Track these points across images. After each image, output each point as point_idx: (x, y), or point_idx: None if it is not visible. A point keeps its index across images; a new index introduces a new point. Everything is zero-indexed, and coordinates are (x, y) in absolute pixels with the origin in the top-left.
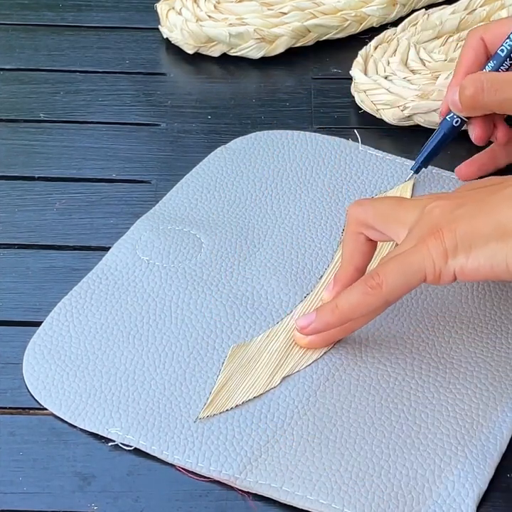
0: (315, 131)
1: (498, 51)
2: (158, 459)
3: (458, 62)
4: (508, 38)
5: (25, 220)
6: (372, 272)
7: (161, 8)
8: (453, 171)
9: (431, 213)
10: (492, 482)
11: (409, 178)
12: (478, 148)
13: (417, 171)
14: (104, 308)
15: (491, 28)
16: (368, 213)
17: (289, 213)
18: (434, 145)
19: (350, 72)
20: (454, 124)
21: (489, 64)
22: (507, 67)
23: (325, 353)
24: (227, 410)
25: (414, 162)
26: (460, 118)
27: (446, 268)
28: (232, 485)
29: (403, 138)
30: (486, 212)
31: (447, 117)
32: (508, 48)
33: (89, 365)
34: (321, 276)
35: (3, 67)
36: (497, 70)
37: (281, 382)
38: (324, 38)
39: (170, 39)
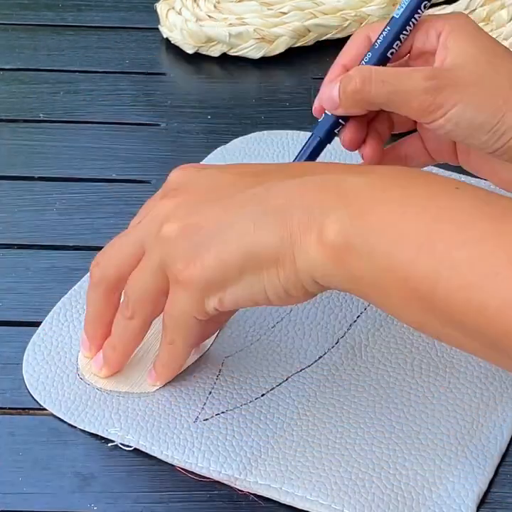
0: None
1: (375, 45)
2: (158, 459)
3: (337, 58)
4: (383, 30)
5: (25, 220)
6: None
7: (160, 8)
8: None
9: (164, 243)
10: (492, 482)
11: None
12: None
13: None
14: None
15: (376, 26)
16: None
17: None
18: (309, 153)
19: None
20: (329, 127)
21: (365, 58)
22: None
23: (325, 353)
24: (227, 410)
25: None
26: (337, 120)
27: (204, 310)
28: (232, 485)
29: None
30: (230, 237)
31: (320, 121)
32: (381, 39)
33: None
34: None
35: (3, 67)
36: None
37: (281, 382)
38: (324, 38)
39: (170, 39)
